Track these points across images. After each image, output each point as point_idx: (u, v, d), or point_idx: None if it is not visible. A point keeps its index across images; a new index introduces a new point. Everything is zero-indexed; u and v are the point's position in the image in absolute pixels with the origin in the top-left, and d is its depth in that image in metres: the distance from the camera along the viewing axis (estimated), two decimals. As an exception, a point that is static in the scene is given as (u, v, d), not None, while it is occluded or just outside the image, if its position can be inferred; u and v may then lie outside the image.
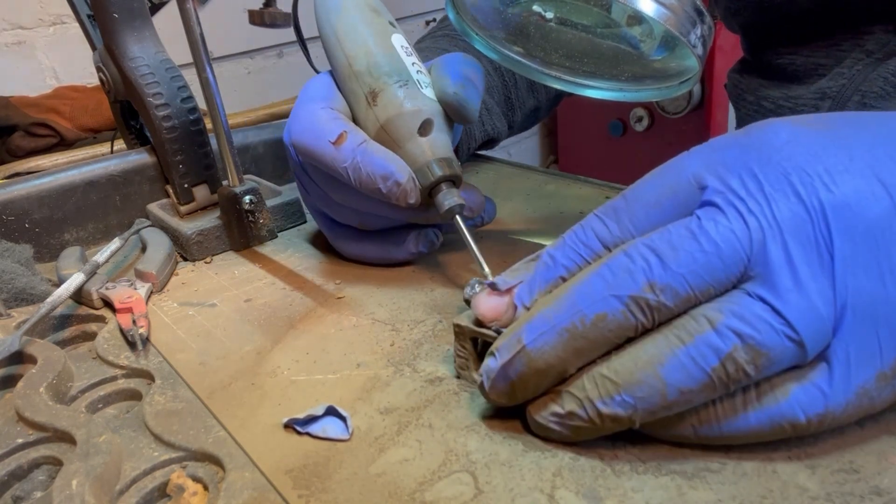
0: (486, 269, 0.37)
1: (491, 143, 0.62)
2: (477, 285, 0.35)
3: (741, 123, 0.64)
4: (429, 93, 0.41)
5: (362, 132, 0.40)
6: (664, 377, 0.24)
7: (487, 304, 0.29)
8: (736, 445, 0.26)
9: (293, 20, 0.44)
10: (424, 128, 0.40)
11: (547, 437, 0.28)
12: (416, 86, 0.41)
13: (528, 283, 0.29)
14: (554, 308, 0.26)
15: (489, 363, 0.27)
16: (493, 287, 0.29)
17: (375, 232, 0.45)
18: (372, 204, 0.41)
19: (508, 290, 0.29)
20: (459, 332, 0.31)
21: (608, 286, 0.25)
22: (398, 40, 0.43)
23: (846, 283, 0.24)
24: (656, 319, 0.25)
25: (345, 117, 0.41)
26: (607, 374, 0.25)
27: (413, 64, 0.42)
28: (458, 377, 0.33)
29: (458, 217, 0.39)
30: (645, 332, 0.25)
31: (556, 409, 0.27)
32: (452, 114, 0.41)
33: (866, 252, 0.24)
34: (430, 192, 0.40)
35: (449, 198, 0.39)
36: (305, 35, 0.46)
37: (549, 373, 0.26)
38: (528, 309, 0.28)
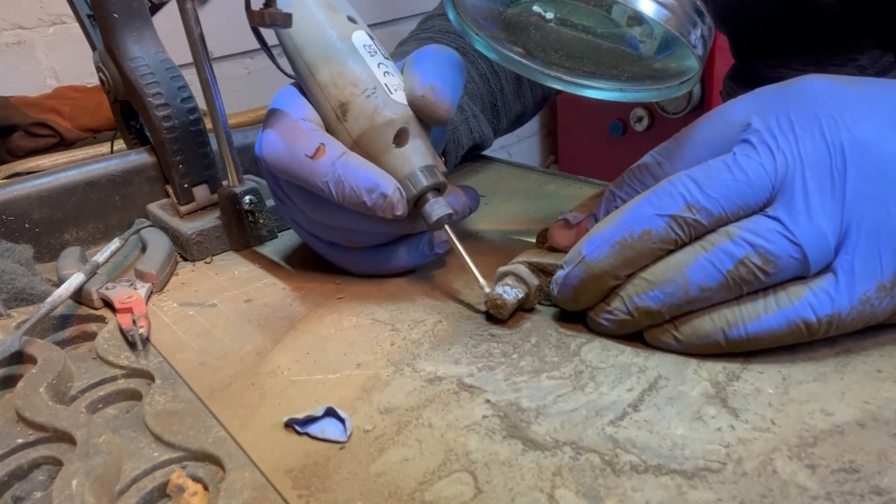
0: (482, 281, 0.37)
1: (477, 148, 0.61)
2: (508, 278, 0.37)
3: None
4: (399, 97, 0.39)
5: (340, 143, 0.38)
6: (688, 276, 0.30)
7: (562, 235, 0.37)
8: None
9: (252, 28, 0.40)
10: (400, 137, 0.38)
11: (600, 331, 0.34)
12: (385, 91, 0.38)
13: (594, 215, 0.36)
14: (608, 226, 0.32)
15: (558, 273, 0.34)
16: (566, 221, 0.37)
17: (377, 248, 0.43)
18: (357, 220, 0.40)
19: (578, 223, 0.36)
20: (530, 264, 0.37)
21: (653, 207, 0.31)
22: (359, 38, 0.40)
23: (854, 208, 0.28)
24: (692, 235, 0.30)
25: (320, 129, 0.39)
26: (644, 275, 0.31)
27: (379, 65, 0.39)
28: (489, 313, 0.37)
29: (447, 227, 0.38)
30: (682, 245, 0.31)
31: (606, 307, 0.33)
32: (424, 117, 0.39)
33: (875, 184, 0.29)
34: (415, 203, 0.38)
35: (436, 208, 0.38)
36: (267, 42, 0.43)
37: (604, 279, 0.32)
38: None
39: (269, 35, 0.40)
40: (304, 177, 0.38)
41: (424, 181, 0.38)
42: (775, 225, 0.29)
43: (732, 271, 0.29)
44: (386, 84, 0.39)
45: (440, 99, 0.38)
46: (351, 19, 0.41)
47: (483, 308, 0.38)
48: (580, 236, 0.34)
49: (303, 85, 0.41)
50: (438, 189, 0.39)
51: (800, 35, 0.53)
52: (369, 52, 0.40)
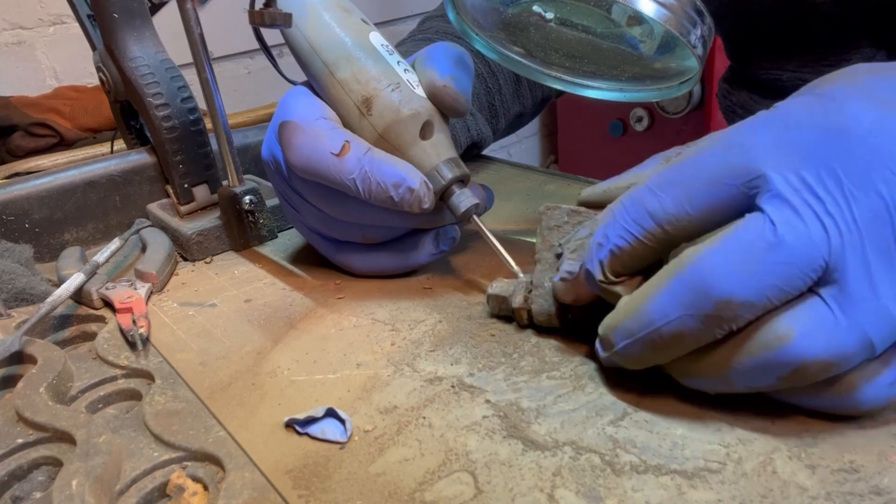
0: (515, 267, 0.37)
1: (475, 148, 0.61)
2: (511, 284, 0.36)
3: None
4: (421, 91, 0.40)
5: (364, 140, 0.39)
6: (732, 380, 0.26)
7: (566, 291, 0.32)
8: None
9: (253, 29, 0.41)
10: (425, 130, 0.39)
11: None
12: (409, 86, 0.39)
13: (589, 265, 0.30)
14: (630, 319, 0.27)
15: (597, 348, 0.30)
16: (563, 279, 0.32)
17: (385, 246, 0.43)
18: (378, 215, 0.40)
19: (576, 276, 0.32)
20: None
21: (681, 303, 0.25)
22: (376, 39, 0.41)
23: None
24: (734, 329, 0.25)
25: (340, 126, 0.39)
26: (684, 365, 0.27)
27: (398, 63, 0.40)
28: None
29: (475, 217, 0.38)
30: (724, 337, 0.25)
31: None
32: (445, 108, 0.40)
33: None
34: (441, 197, 0.39)
35: (464, 199, 0.38)
36: (268, 42, 0.43)
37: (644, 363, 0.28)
38: (603, 281, 0.29)
39: (269, 38, 0.41)
40: (331, 175, 0.38)
41: (451, 173, 0.38)
42: (837, 317, 0.24)
43: (787, 378, 0.25)
44: (408, 80, 0.40)
45: (462, 89, 0.39)
46: (364, 21, 0.42)
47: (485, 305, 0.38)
48: (583, 286, 0.31)
49: (318, 84, 0.41)
50: (463, 182, 0.39)
51: (794, 36, 0.53)
52: (388, 51, 0.41)
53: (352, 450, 0.28)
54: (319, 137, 0.38)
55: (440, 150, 0.39)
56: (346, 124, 0.40)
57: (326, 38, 0.40)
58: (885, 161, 0.24)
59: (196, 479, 0.28)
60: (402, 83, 0.39)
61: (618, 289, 0.29)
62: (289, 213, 0.45)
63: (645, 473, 0.26)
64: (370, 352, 0.36)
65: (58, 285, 0.42)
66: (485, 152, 0.65)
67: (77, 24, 0.56)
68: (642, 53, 0.37)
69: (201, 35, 0.44)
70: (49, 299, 0.39)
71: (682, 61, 0.36)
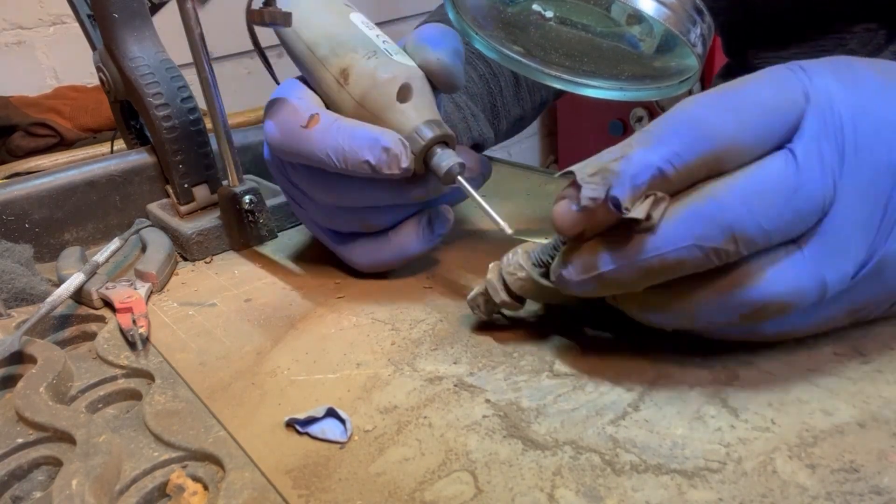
0: (503, 224, 0.35)
1: (477, 149, 0.61)
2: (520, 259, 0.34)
3: None
4: (401, 59, 0.39)
5: (334, 113, 0.38)
6: (697, 315, 0.28)
7: (575, 222, 0.28)
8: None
9: (248, 30, 0.41)
10: (403, 93, 0.38)
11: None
12: (386, 54, 0.39)
13: (618, 190, 0.27)
14: (634, 244, 0.27)
15: (563, 271, 0.29)
16: (585, 207, 0.28)
17: (383, 232, 0.42)
18: (367, 191, 0.39)
19: (598, 204, 0.27)
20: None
21: (693, 235, 0.26)
22: (357, 18, 0.41)
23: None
24: (726, 261, 0.26)
25: (316, 103, 0.39)
26: (655, 297, 0.28)
27: (378, 36, 0.40)
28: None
29: (460, 178, 0.37)
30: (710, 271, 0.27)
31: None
32: (439, 82, 0.39)
33: None
34: (424, 160, 0.38)
35: (446, 159, 0.37)
36: (263, 44, 0.43)
37: (616, 289, 0.29)
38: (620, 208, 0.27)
39: (263, 40, 0.41)
40: (303, 149, 0.37)
41: (431, 132, 0.37)
42: (809, 271, 0.26)
43: (746, 316, 0.27)
44: (386, 49, 0.39)
45: (455, 63, 0.39)
46: (347, 5, 0.42)
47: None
48: (592, 220, 0.28)
49: (303, 67, 0.41)
50: (447, 143, 0.38)
51: (791, 22, 0.53)
52: (367, 26, 0.41)
53: (352, 449, 0.28)
54: (289, 113, 0.38)
55: (421, 112, 0.38)
56: (328, 102, 0.40)
57: (308, 21, 0.40)
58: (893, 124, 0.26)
59: (196, 479, 0.28)
60: (379, 51, 0.39)
61: (641, 218, 0.26)
62: (296, 211, 0.45)
63: (645, 473, 0.26)
64: (370, 351, 0.36)
65: (58, 285, 0.42)
66: (485, 152, 0.65)
67: (77, 24, 0.56)
68: (642, 52, 0.37)
69: (201, 35, 0.44)
70: (49, 299, 0.39)
71: (681, 60, 0.36)
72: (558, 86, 0.42)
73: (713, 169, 0.26)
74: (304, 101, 0.39)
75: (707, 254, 0.26)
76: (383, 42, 0.40)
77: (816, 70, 0.27)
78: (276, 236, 0.52)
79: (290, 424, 0.30)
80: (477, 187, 0.42)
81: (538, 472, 0.26)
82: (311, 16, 0.40)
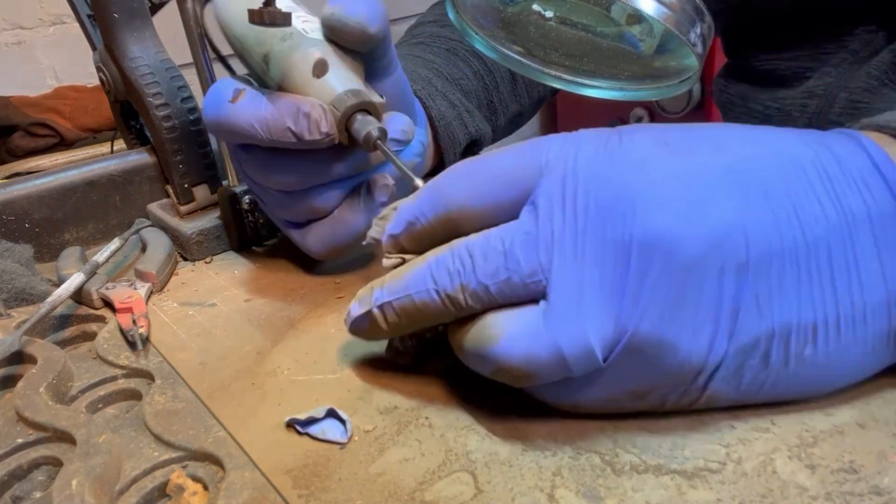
0: (417, 181, 0.35)
1: (474, 146, 0.61)
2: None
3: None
4: (317, 35, 0.39)
5: (261, 89, 0.39)
6: (466, 362, 0.29)
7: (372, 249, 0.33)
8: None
9: (206, 38, 0.43)
10: (319, 68, 0.38)
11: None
12: (301, 34, 0.39)
13: (384, 234, 0.31)
14: (395, 282, 0.29)
15: (350, 308, 0.31)
16: (367, 243, 0.33)
17: (331, 216, 0.42)
18: (300, 166, 0.39)
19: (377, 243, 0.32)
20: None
21: (431, 279, 0.28)
22: (282, 3, 0.40)
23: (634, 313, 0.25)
24: (465, 312, 0.27)
25: (244, 85, 0.40)
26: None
27: (298, 17, 0.40)
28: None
29: (379, 143, 0.37)
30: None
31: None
32: (338, 37, 0.38)
33: (665, 288, 0.24)
34: (347, 130, 0.37)
35: (364, 125, 0.37)
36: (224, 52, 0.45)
37: (386, 333, 0.30)
38: (389, 252, 0.31)
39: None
40: (232, 124, 0.38)
41: (348, 100, 0.37)
42: (538, 327, 0.25)
43: (495, 374, 0.27)
44: (302, 29, 0.39)
45: (350, 12, 0.37)
46: None
47: None
48: (379, 254, 0.32)
49: (243, 63, 0.42)
50: (369, 111, 0.38)
51: (793, 24, 0.53)
52: (290, 8, 0.40)
53: (352, 449, 0.28)
54: (217, 92, 0.39)
55: (339, 83, 0.38)
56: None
57: (235, 17, 0.40)
58: (635, 196, 0.25)
59: (196, 479, 0.28)
60: (295, 32, 0.39)
61: (393, 262, 0.31)
62: (262, 206, 0.46)
63: (645, 473, 0.26)
64: (370, 351, 0.36)
65: (58, 285, 0.42)
66: (485, 150, 0.65)
67: (77, 24, 0.56)
68: (642, 52, 0.37)
69: (201, 35, 0.44)
70: (49, 299, 0.39)
71: (681, 60, 0.36)
72: (558, 86, 0.42)
73: (451, 229, 0.29)
74: (232, 82, 0.40)
75: (443, 300, 0.27)
76: (303, 22, 0.40)
77: (571, 140, 0.27)
78: (276, 236, 0.52)
79: (291, 425, 0.30)
80: (417, 158, 0.43)
81: (538, 473, 0.26)
82: (238, 11, 0.40)
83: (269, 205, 0.44)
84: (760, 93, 0.57)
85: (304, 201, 0.41)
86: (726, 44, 0.63)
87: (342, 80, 0.38)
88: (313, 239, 0.42)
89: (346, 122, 0.37)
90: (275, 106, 0.37)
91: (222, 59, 0.45)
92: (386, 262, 0.31)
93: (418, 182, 0.35)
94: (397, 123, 0.40)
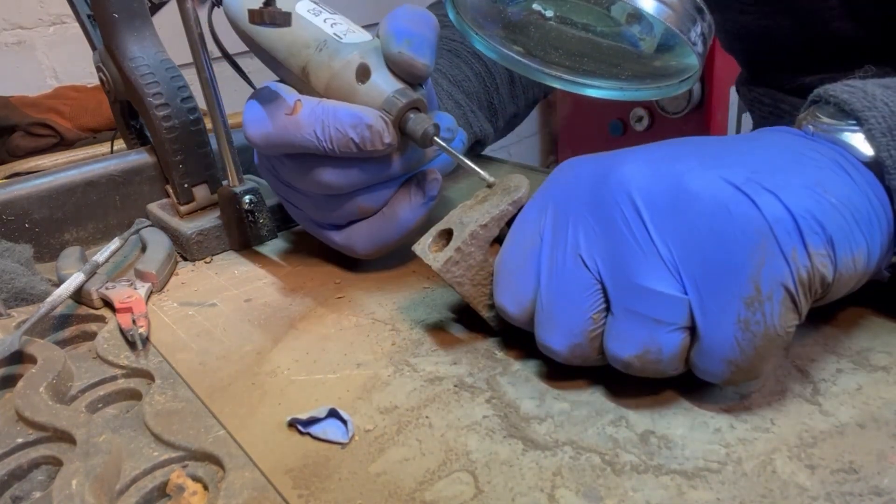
0: (484, 174, 0.36)
1: (477, 145, 0.61)
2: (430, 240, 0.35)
3: (758, 126, 0.64)
4: (350, 38, 0.39)
5: (314, 99, 0.39)
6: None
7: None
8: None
9: (214, 39, 0.42)
10: (362, 74, 0.38)
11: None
12: (335, 40, 0.39)
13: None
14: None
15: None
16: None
17: (378, 213, 0.42)
18: (352, 171, 0.39)
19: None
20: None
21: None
22: (302, 6, 0.41)
23: None
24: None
25: (296, 92, 0.39)
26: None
27: (325, 21, 0.40)
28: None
29: (437, 139, 0.38)
30: None
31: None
32: (403, 73, 0.39)
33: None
34: (400, 130, 0.38)
35: (419, 123, 0.37)
36: (232, 51, 0.44)
37: None
38: None
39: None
40: (290, 137, 0.38)
41: (399, 102, 0.38)
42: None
43: None
44: (334, 34, 0.39)
45: (419, 52, 0.38)
46: None
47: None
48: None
49: (273, 71, 0.42)
50: (418, 108, 0.38)
51: (813, 55, 0.53)
52: (314, 13, 0.41)
53: (352, 449, 0.28)
54: (273, 105, 0.39)
55: (384, 86, 0.38)
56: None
57: (271, 34, 0.40)
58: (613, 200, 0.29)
59: (196, 479, 0.28)
60: (329, 39, 0.39)
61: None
62: (292, 213, 0.45)
63: (645, 473, 0.26)
64: (370, 351, 0.36)
65: (58, 285, 0.42)
66: (485, 152, 0.65)
67: (77, 24, 0.56)
68: (642, 51, 0.37)
69: (201, 35, 0.44)
70: (49, 299, 0.39)
71: (682, 59, 0.36)
72: (558, 86, 0.42)
73: None
74: (285, 91, 0.39)
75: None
76: (332, 25, 0.40)
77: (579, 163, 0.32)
78: (276, 236, 0.52)
79: (292, 425, 0.30)
80: (460, 149, 0.42)
81: (538, 473, 0.26)
82: (272, 30, 0.40)
83: (307, 209, 0.43)
84: (788, 95, 0.58)
85: (351, 202, 0.41)
86: (747, 66, 0.64)
87: (387, 81, 0.39)
88: (360, 239, 0.42)
89: (398, 122, 0.38)
90: (336, 116, 0.37)
91: (229, 58, 0.44)
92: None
93: (487, 178, 0.36)
94: (444, 121, 0.40)
